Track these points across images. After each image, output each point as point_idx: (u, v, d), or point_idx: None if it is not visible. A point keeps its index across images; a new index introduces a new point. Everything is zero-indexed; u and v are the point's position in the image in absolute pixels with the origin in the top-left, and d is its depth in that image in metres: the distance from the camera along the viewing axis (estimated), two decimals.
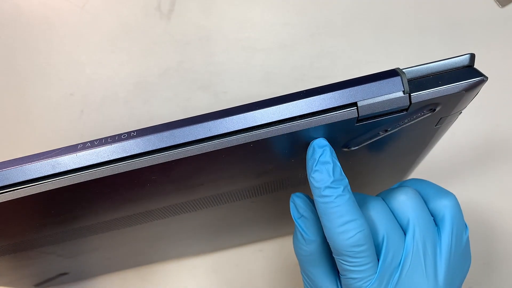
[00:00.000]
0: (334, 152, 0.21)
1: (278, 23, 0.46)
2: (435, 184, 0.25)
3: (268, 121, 0.19)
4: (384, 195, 0.25)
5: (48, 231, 0.25)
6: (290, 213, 0.24)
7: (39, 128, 0.44)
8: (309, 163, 0.21)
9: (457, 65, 0.20)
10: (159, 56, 0.45)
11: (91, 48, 0.45)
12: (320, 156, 0.21)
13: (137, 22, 0.46)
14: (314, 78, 0.44)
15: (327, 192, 0.21)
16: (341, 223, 0.21)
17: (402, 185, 0.26)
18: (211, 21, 0.46)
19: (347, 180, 0.21)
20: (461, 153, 0.42)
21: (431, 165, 0.41)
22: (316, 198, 0.21)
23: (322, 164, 0.21)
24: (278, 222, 0.37)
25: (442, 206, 0.24)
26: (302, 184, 0.28)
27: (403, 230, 0.23)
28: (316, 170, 0.21)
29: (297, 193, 0.24)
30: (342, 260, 0.21)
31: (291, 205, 0.24)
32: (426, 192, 0.25)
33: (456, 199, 0.24)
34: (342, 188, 0.21)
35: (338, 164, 0.21)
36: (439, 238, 0.23)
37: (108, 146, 0.19)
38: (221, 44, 0.45)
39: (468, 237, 0.24)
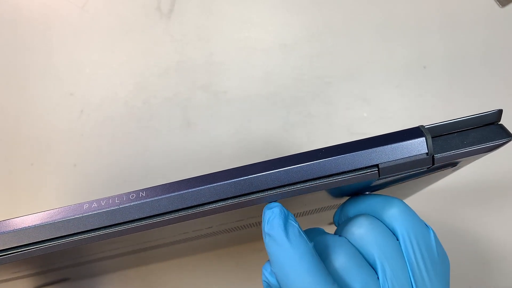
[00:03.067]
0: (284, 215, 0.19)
1: (278, 23, 0.46)
2: (375, 195, 0.23)
3: (281, 184, 0.19)
4: (340, 231, 0.23)
5: (53, 268, 0.25)
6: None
7: (39, 128, 0.44)
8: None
9: (484, 122, 0.19)
10: (159, 56, 0.45)
11: (91, 48, 0.45)
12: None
13: (137, 22, 0.46)
14: (314, 78, 0.44)
15: None
16: None
17: (346, 210, 0.24)
18: (211, 21, 0.46)
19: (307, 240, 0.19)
20: None
21: None
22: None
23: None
24: None
25: (391, 218, 0.21)
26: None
27: (371, 267, 0.21)
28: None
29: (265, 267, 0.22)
30: None
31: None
32: (374, 208, 0.22)
33: (401, 205, 0.22)
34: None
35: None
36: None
37: (115, 208, 0.19)
38: (221, 44, 0.45)
39: (434, 237, 0.22)
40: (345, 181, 0.19)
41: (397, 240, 0.21)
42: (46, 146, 0.43)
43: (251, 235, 0.39)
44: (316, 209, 0.27)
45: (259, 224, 0.27)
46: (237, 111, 0.43)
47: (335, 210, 0.24)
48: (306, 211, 0.27)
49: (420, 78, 0.44)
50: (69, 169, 0.42)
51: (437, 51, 0.45)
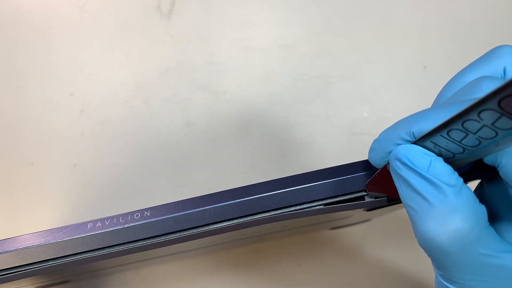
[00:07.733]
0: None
1: (278, 23, 0.46)
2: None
3: (287, 205, 0.19)
4: None
5: (54, 275, 0.25)
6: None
7: (39, 128, 0.44)
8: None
9: None
10: (159, 56, 0.45)
11: (91, 48, 0.45)
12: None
13: (137, 22, 0.46)
14: (314, 78, 0.44)
15: None
16: None
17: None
18: (211, 21, 0.46)
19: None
20: None
21: None
22: None
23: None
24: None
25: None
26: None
27: None
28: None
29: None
30: None
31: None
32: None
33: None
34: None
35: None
36: None
37: (120, 227, 0.18)
38: (221, 44, 0.45)
39: None
40: (346, 207, 0.19)
41: None
42: (46, 146, 0.43)
43: (252, 237, 0.39)
44: (322, 221, 0.27)
45: (262, 235, 0.27)
46: (237, 111, 0.43)
47: (342, 217, 0.24)
48: (311, 223, 0.27)
49: (420, 78, 0.44)
50: (69, 169, 0.42)
51: (437, 51, 0.45)
